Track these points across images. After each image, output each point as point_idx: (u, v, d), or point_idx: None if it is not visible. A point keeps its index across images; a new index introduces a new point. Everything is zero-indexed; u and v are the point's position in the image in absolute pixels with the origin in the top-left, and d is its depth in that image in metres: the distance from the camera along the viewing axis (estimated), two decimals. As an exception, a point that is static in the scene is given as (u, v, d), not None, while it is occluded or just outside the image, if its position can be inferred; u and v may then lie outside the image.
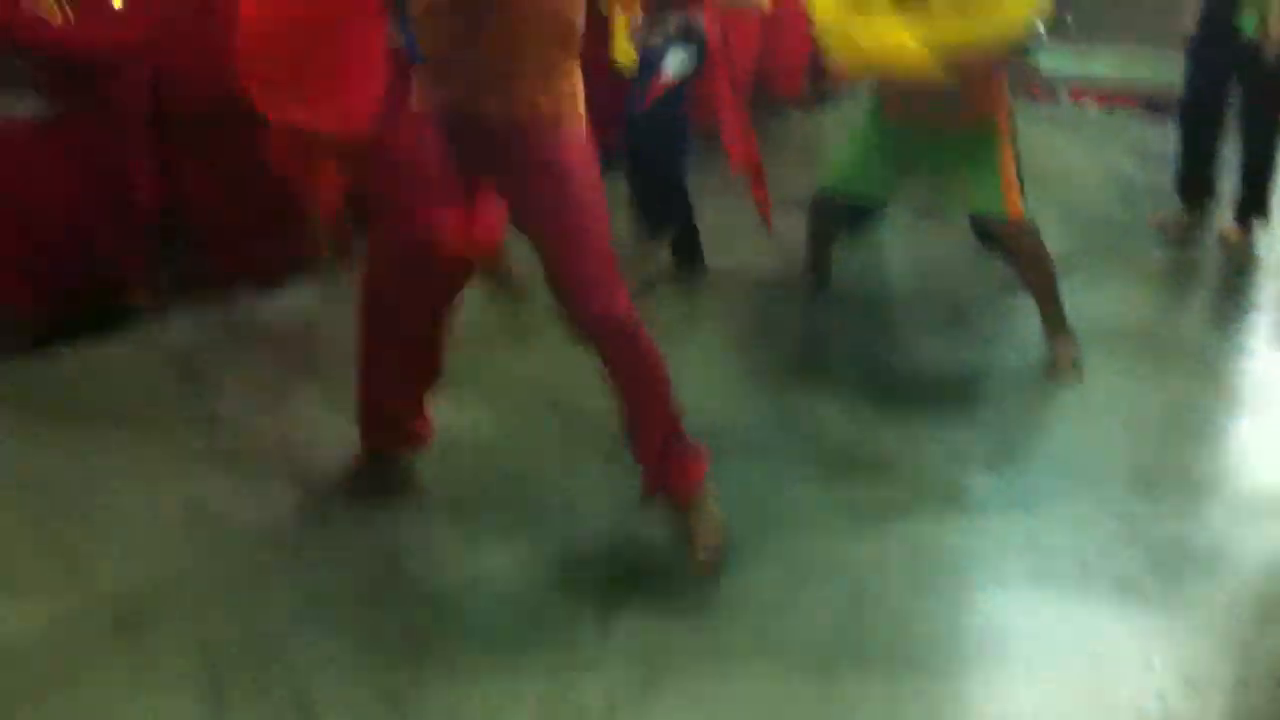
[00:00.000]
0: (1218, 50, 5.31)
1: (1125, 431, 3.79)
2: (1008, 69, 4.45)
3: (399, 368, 3.18)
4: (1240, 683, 2.61)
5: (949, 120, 4.24)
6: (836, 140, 6.59)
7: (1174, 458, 3.63)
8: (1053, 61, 7.80)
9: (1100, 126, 7.56)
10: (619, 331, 2.88)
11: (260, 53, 2.70)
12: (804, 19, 6.87)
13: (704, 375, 3.96)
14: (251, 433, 3.58)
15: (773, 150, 6.65)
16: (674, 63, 4.60)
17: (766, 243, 5.28)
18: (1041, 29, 7.72)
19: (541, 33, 2.79)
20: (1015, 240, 4.32)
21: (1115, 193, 6.20)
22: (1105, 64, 8.19)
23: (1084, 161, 6.73)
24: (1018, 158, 4.37)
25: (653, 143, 4.73)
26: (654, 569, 2.98)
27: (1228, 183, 5.77)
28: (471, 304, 3.29)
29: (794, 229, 5.48)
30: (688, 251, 5.06)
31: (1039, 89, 7.58)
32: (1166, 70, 6.29)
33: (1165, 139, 6.11)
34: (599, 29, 4.48)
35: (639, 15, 4.68)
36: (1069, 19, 8.02)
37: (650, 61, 4.64)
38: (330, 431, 3.42)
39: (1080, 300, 4.45)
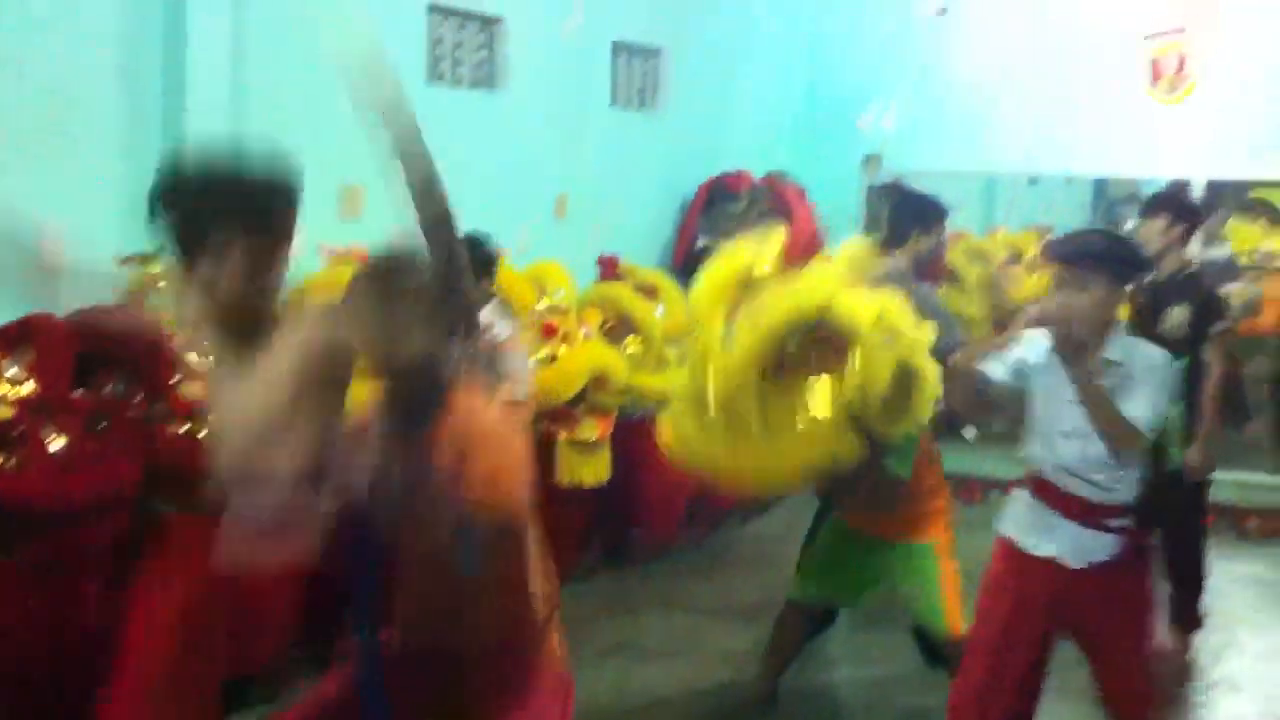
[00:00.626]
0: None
1: None
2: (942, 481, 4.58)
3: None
4: None
5: (896, 530, 4.36)
6: (784, 548, 6.69)
7: None
8: (986, 463, 8.04)
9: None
10: None
11: None
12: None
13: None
14: None
15: (716, 560, 6.75)
16: None
17: (713, 655, 5.25)
18: (971, 431, 8.02)
19: None
20: (953, 657, 4.32)
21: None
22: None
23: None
24: (957, 574, 4.43)
25: None
26: None
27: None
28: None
29: (739, 639, 5.48)
30: None
31: (976, 491, 7.76)
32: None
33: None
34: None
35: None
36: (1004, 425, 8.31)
37: None
38: None
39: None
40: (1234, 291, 7.51)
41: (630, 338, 6.37)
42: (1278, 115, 7.60)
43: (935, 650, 4.88)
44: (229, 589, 4.04)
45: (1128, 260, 3.47)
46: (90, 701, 4.03)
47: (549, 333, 5.79)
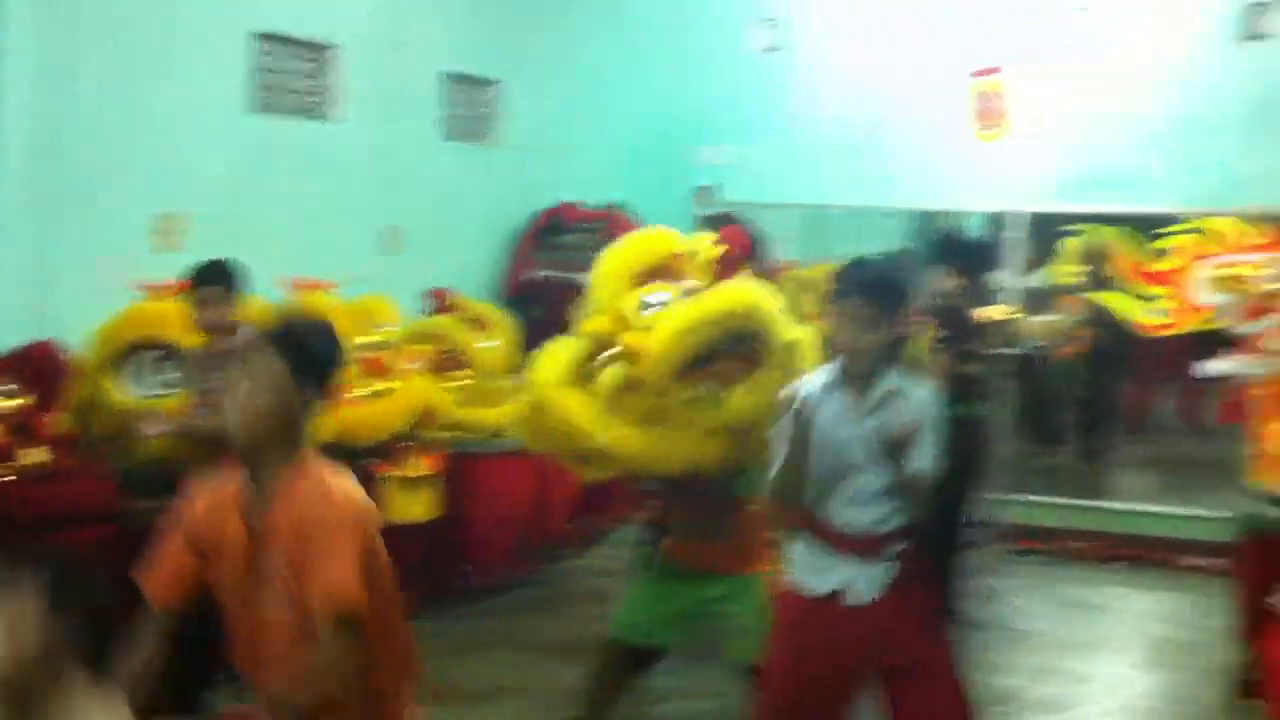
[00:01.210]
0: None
1: None
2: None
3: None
4: None
5: (724, 562, 4.35)
6: (618, 582, 6.68)
7: None
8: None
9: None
10: None
11: None
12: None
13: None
14: None
15: (549, 596, 6.70)
16: None
17: (545, 695, 5.22)
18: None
19: None
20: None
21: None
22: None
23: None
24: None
25: None
26: None
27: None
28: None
29: (572, 677, 5.42)
30: None
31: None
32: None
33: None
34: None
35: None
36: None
37: None
38: None
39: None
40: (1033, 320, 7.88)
41: (460, 371, 6.31)
42: (1090, 151, 7.88)
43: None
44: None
45: (893, 289, 3.42)
46: None
47: (375, 368, 5.69)
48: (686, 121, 8.78)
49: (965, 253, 6.01)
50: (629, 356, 4.13)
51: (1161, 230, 7.00)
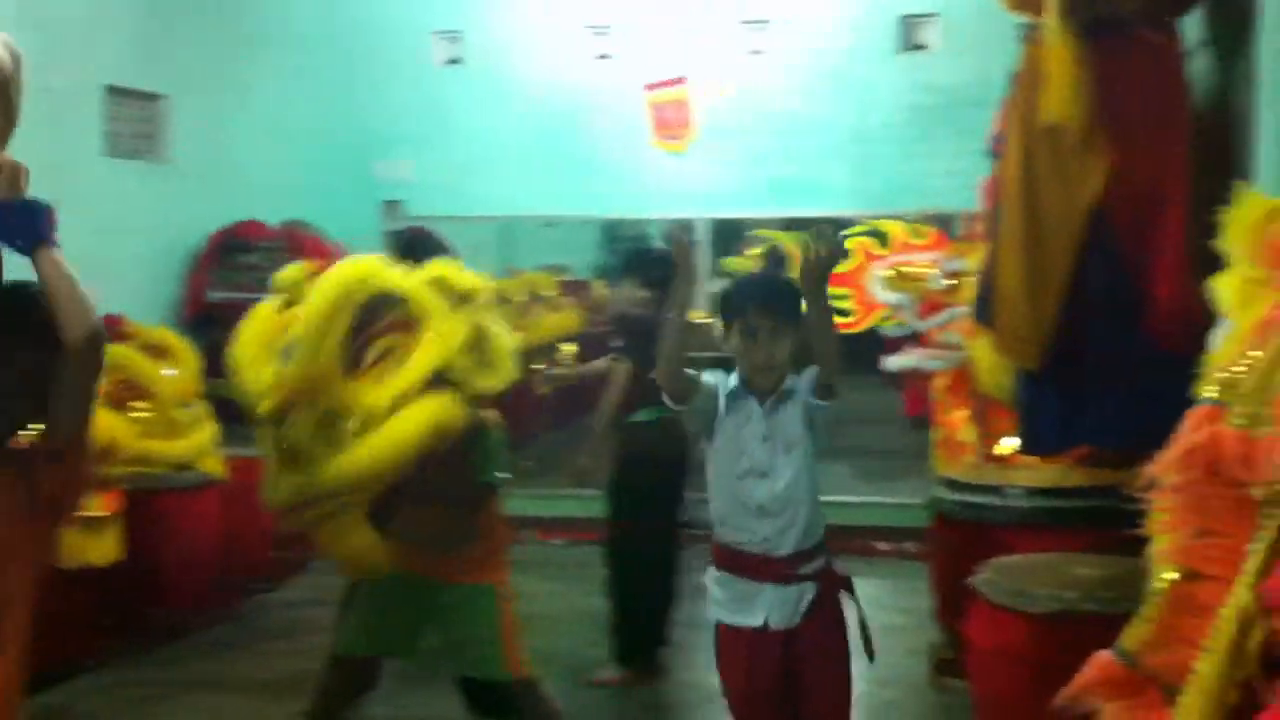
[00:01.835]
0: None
1: None
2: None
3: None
4: None
5: (453, 571, 4.20)
6: (319, 612, 6.41)
7: None
8: (518, 504, 8.10)
9: (569, 565, 7.82)
10: None
11: None
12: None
13: None
14: None
15: (246, 633, 6.37)
16: None
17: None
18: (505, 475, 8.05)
19: None
20: (522, 699, 4.25)
21: (589, 633, 6.31)
22: (572, 503, 8.58)
23: (557, 603, 6.88)
24: (516, 615, 4.35)
25: None
26: None
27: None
28: None
29: (275, 715, 5.19)
30: None
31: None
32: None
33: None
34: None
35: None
36: (532, 463, 8.42)
37: None
38: None
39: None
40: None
41: (138, 402, 5.92)
42: (775, 158, 8.15)
43: (481, 699, 4.81)
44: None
45: (793, 301, 3.52)
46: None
47: (44, 402, 5.26)
48: (370, 136, 8.58)
49: (652, 264, 6.11)
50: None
51: (842, 233, 7.32)
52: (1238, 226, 2.13)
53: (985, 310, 4.69)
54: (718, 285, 8.81)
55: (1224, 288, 2.16)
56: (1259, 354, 1.86)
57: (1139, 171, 4.51)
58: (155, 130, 7.67)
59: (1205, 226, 4.43)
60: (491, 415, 4.23)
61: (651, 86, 8.29)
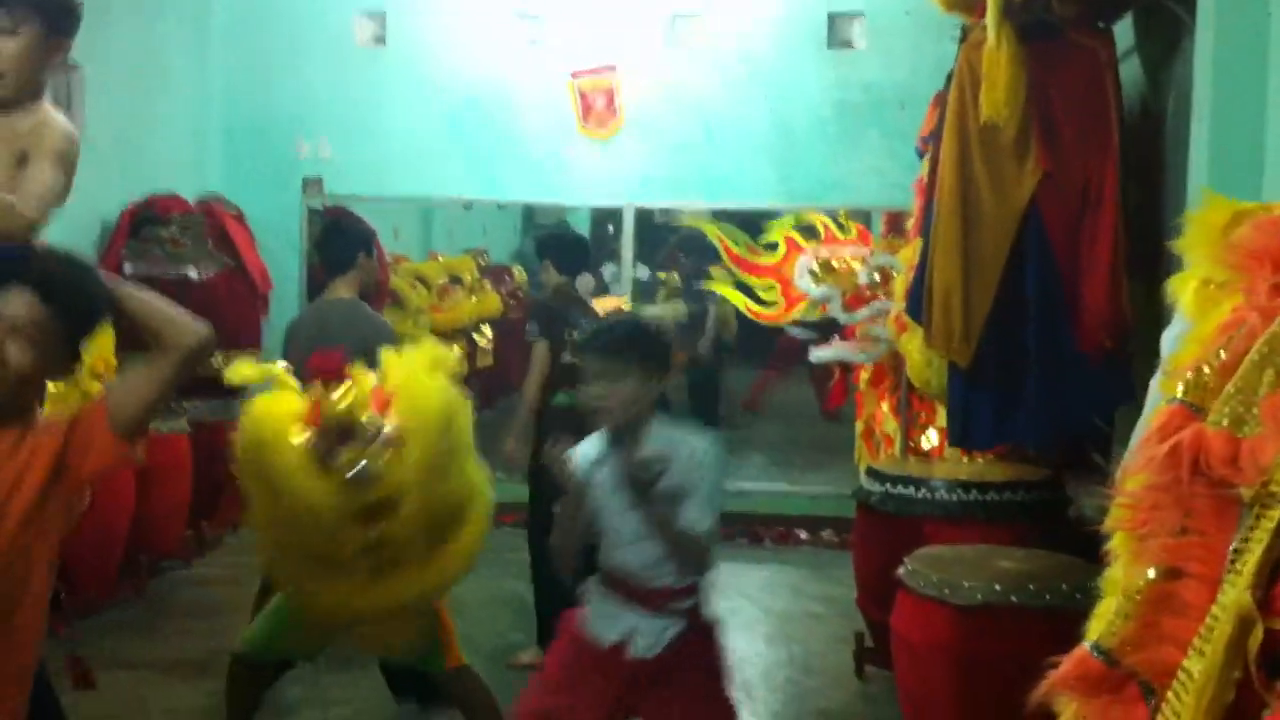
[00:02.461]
0: None
1: None
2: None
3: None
4: None
5: None
6: (232, 591, 6.32)
7: None
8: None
9: (489, 548, 7.79)
10: None
11: None
12: (178, 469, 6.71)
13: None
14: None
15: (158, 612, 6.26)
16: None
17: (160, 717, 4.88)
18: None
19: None
20: (458, 687, 4.21)
21: (510, 617, 6.29)
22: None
23: (479, 586, 6.84)
24: (448, 606, 4.30)
25: None
26: None
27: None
28: None
29: (188, 696, 5.10)
30: None
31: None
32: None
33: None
34: None
35: None
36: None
37: None
38: None
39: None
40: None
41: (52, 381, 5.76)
42: (700, 149, 8.17)
43: (404, 682, 4.78)
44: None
45: (659, 351, 3.39)
46: None
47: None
48: (291, 113, 8.43)
49: (566, 249, 6.12)
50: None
51: (765, 226, 7.38)
52: (1199, 229, 2.16)
53: (918, 307, 4.76)
54: (642, 273, 8.89)
55: (1181, 290, 2.19)
56: (1225, 355, 1.89)
57: (1070, 173, 4.61)
58: (68, 100, 7.45)
59: (1132, 230, 4.59)
60: None
61: (579, 74, 8.26)
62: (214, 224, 7.55)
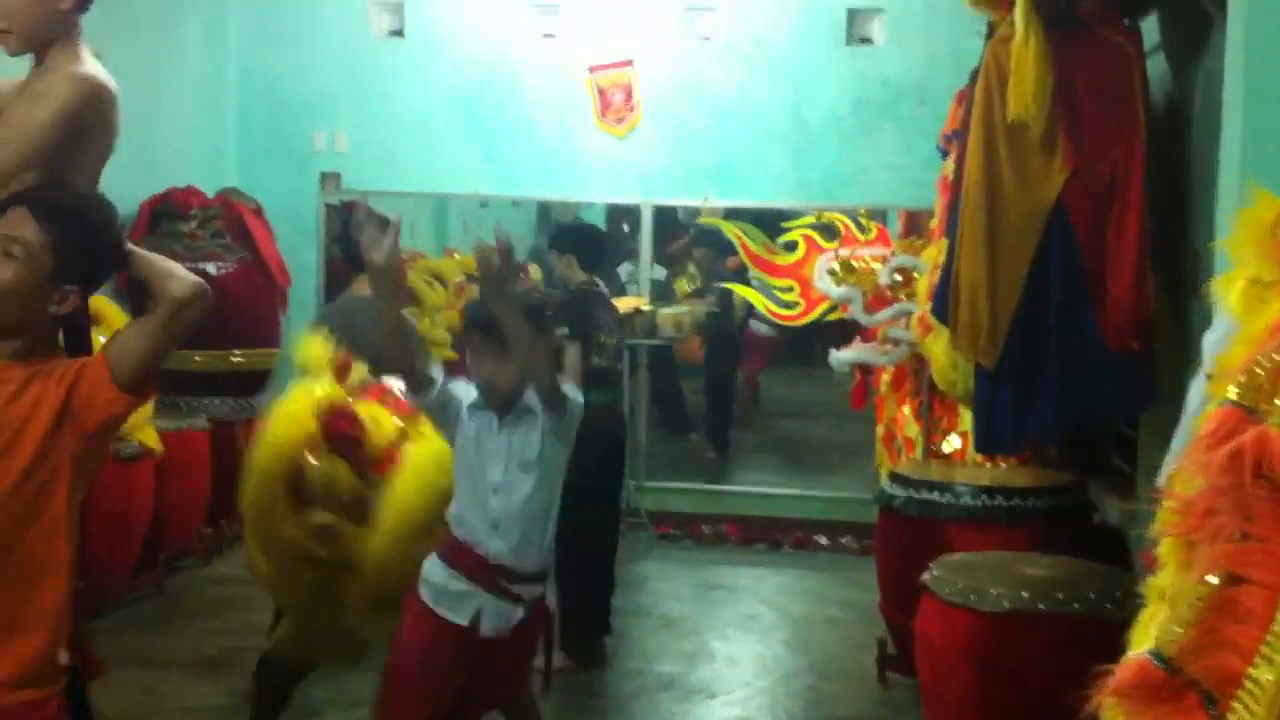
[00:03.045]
0: None
1: None
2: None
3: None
4: None
5: None
6: (248, 589, 6.28)
7: None
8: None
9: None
10: None
11: None
12: (197, 467, 6.69)
13: None
14: None
15: (175, 608, 6.24)
16: None
17: (177, 715, 4.87)
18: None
19: None
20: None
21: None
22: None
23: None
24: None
25: None
26: None
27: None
28: None
29: (205, 694, 5.08)
30: None
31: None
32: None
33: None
34: None
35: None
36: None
37: None
38: None
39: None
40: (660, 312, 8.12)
41: (71, 370, 5.74)
42: (717, 146, 8.12)
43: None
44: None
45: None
46: None
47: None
48: (308, 106, 8.40)
49: (588, 243, 6.06)
50: None
51: (784, 224, 7.32)
52: (1246, 226, 2.11)
53: (943, 307, 4.70)
54: (659, 273, 8.83)
55: (1227, 290, 2.14)
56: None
57: (1097, 170, 4.55)
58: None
59: (1159, 226, 4.53)
60: None
61: (596, 69, 8.21)
62: (232, 217, 7.52)
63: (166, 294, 2.65)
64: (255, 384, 7.42)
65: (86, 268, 2.69)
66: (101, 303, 6.24)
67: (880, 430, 6.24)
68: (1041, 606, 3.91)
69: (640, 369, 8.04)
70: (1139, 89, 4.59)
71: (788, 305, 6.85)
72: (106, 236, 2.74)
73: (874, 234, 6.85)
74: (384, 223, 3.53)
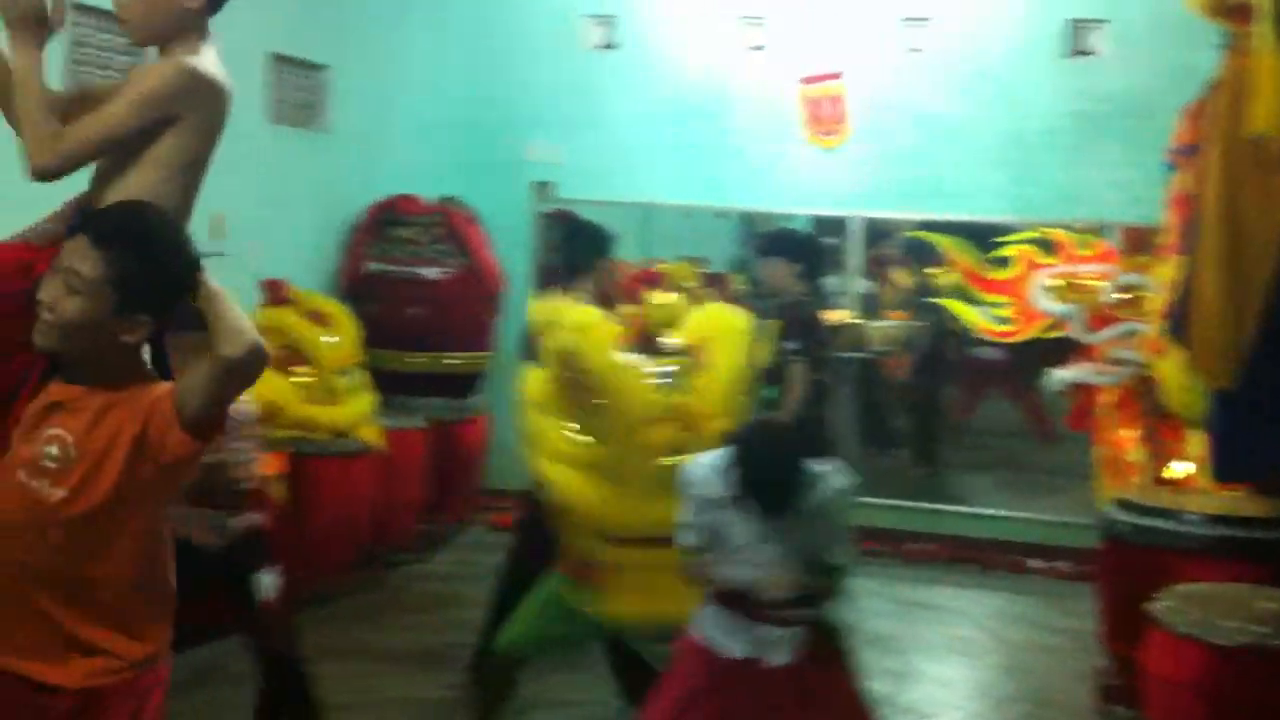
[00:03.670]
0: None
1: None
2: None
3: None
4: None
5: None
6: (461, 586, 6.46)
7: None
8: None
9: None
10: None
11: None
12: (415, 464, 6.90)
13: None
14: None
15: (390, 603, 6.43)
16: (269, 584, 4.31)
17: (393, 706, 5.03)
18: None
19: None
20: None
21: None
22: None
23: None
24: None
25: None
26: None
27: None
28: None
29: (420, 687, 5.21)
30: None
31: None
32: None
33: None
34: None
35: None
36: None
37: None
38: None
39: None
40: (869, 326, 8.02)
41: (300, 367, 5.98)
42: (929, 159, 8.00)
43: (634, 688, 4.80)
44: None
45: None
46: None
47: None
48: (521, 116, 8.58)
49: (806, 250, 5.93)
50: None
51: (997, 240, 7.17)
52: None
53: (1179, 327, 4.54)
54: (866, 286, 8.74)
55: None
56: None
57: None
58: (317, 100, 7.75)
59: None
60: None
61: (807, 80, 8.18)
62: (451, 225, 7.73)
63: (218, 352, 2.49)
64: (469, 386, 7.63)
65: (152, 300, 2.57)
66: (326, 302, 6.50)
67: (1101, 453, 6.05)
68: (1278, 643, 3.76)
69: (847, 382, 7.97)
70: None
71: (1003, 322, 6.70)
72: (172, 269, 2.58)
73: (1095, 250, 6.67)
74: None
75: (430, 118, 8.51)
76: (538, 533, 4.50)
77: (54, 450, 2.53)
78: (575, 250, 5.38)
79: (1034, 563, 7.47)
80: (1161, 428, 5.57)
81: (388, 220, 7.66)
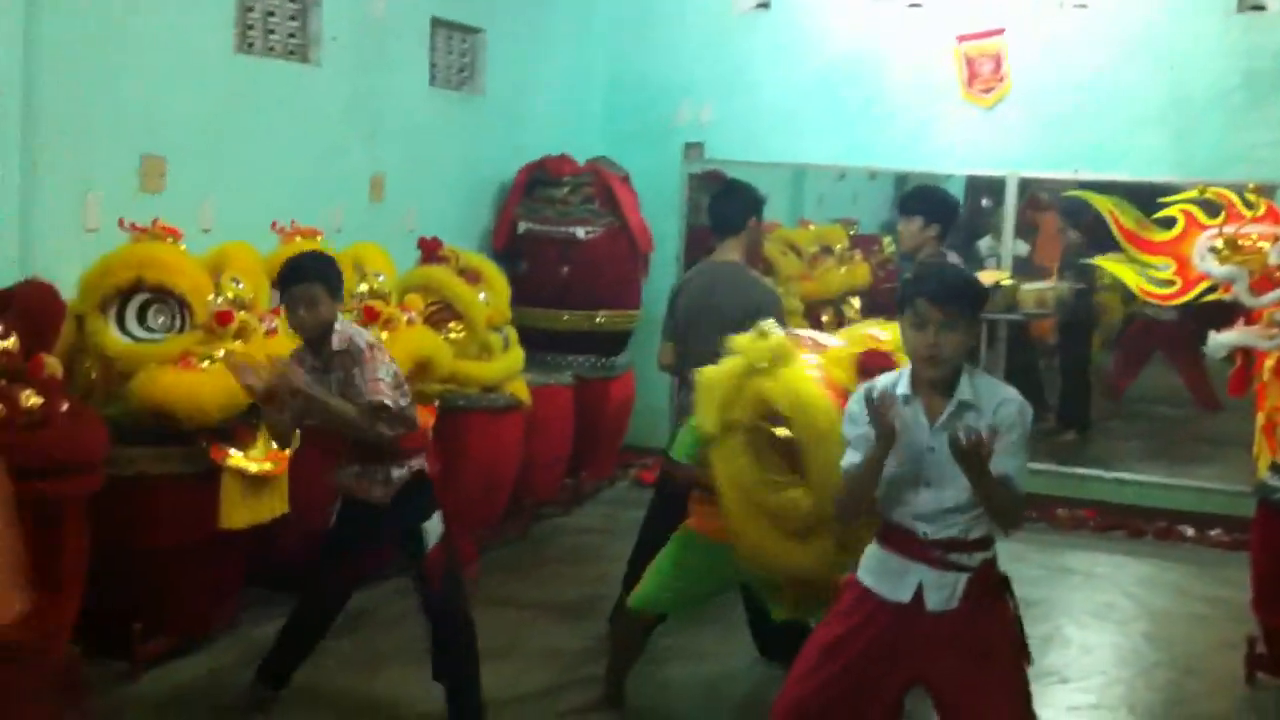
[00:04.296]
0: None
1: None
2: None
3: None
4: None
5: None
6: (604, 540, 6.58)
7: None
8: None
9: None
10: None
11: None
12: (562, 420, 7.02)
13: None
14: None
15: (536, 555, 6.58)
16: (435, 531, 4.40)
17: (538, 655, 5.13)
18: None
19: None
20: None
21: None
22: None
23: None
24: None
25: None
26: None
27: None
28: None
29: (564, 637, 5.33)
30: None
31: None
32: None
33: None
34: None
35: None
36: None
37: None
38: None
39: None
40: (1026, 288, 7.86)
41: (453, 323, 6.13)
42: (1088, 119, 7.80)
43: (775, 643, 4.84)
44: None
45: (983, 302, 3.40)
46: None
47: (370, 317, 5.49)
48: (672, 78, 8.60)
49: (944, 208, 5.83)
50: None
51: (1161, 200, 6.96)
52: None
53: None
54: (1021, 248, 8.57)
55: None
56: None
57: None
58: (474, 63, 7.89)
59: None
60: None
61: (964, 38, 8.03)
62: (601, 185, 7.81)
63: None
64: (616, 344, 7.72)
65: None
66: (479, 260, 6.63)
67: (1261, 419, 5.84)
68: None
69: (998, 344, 7.85)
70: None
71: (1162, 284, 6.50)
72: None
73: (1262, 210, 6.41)
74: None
75: (579, 80, 8.59)
76: (675, 492, 4.57)
77: None
78: (726, 210, 5.39)
79: (1187, 530, 7.32)
80: (1326, 394, 5.36)
81: (539, 180, 7.77)
